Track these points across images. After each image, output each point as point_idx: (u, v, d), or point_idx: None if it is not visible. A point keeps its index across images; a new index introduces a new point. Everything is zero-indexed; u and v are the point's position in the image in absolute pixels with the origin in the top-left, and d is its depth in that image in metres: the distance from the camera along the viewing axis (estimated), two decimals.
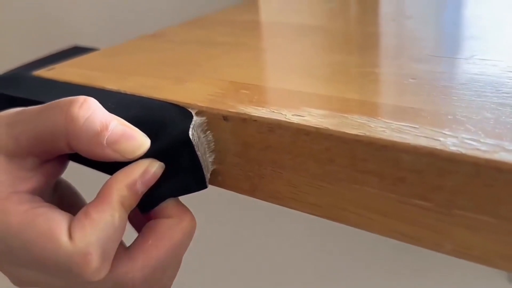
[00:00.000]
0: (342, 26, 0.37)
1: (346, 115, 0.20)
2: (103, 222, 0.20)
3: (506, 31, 0.31)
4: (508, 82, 0.22)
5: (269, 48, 0.32)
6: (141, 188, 0.21)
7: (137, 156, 0.21)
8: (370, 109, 0.21)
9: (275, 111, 0.22)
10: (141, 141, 0.21)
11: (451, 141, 0.18)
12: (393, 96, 0.22)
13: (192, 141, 0.22)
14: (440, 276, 0.49)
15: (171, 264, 0.23)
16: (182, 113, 0.23)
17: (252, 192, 0.23)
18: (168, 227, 0.22)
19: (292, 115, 0.21)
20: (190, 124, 0.22)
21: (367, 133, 0.19)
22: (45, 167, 0.23)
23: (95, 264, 0.20)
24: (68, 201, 0.26)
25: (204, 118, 0.23)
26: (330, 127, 0.19)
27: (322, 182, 0.20)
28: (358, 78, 0.25)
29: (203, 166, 0.23)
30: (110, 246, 0.21)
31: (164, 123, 0.23)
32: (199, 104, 0.23)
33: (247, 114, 0.22)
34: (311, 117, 0.21)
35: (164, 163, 0.22)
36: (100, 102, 0.22)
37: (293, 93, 0.24)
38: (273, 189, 0.22)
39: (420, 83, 0.24)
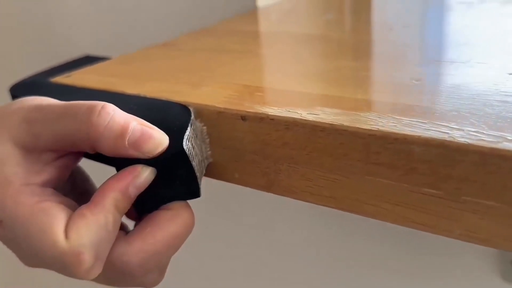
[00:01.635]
0: (342, 35, 0.39)
1: (357, 112, 0.22)
2: (97, 224, 0.22)
3: (496, 38, 0.33)
4: (505, 82, 0.24)
5: (276, 55, 0.34)
6: (134, 192, 0.22)
7: (157, 153, 0.22)
8: (380, 108, 0.22)
9: (291, 110, 0.23)
10: (160, 139, 0.22)
11: (458, 133, 0.19)
12: (400, 96, 0.24)
13: (187, 151, 0.22)
14: (434, 276, 0.50)
15: (166, 254, 0.24)
16: (180, 112, 0.24)
17: (268, 187, 0.24)
18: (167, 218, 0.23)
19: (307, 113, 0.22)
20: (183, 135, 0.23)
21: (380, 128, 0.20)
22: (60, 161, 0.24)
23: (88, 264, 0.21)
24: (79, 188, 0.28)
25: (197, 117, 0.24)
26: (344, 123, 0.21)
27: (336, 176, 0.22)
28: (365, 81, 0.27)
29: (197, 176, 0.23)
30: (103, 247, 0.22)
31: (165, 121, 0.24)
32: (218, 105, 0.25)
33: (265, 114, 0.23)
34: (325, 115, 0.22)
35: (160, 171, 0.23)
36: (120, 105, 0.24)
37: (304, 94, 0.25)
38: (289, 184, 0.24)
39: (423, 84, 0.25)
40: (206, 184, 0.26)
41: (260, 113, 0.23)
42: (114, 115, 0.22)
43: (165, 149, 0.22)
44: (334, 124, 0.21)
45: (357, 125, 0.21)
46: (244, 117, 0.24)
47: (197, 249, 0.72)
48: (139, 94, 0.27)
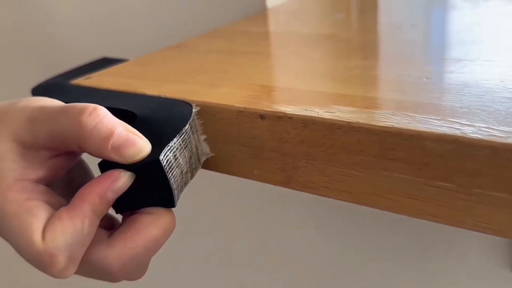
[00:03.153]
0: (352, 35, 0.40)
1: (372, 110, 0.23)
2: (73, 228, 0.23)
3: (502, 36, 0.34)
4: None
5: (289, 55, 0.35)
6: (112, 196, 0.23)
7: (137, 160, 0.23)
8: (393, 105, 0.23)
9: (308, 109, 0.24)
10: (141, 147, 0.23)
11: (469, 129, 0.20)
12: (412, 94, 0.25)
13: (163, 162, 0.23)
14: (442, 267, 0.51)
15: (146, 256, 0.25)
16: (179, 116, 0.25)
17: (287, 183, 0.26)
18: (148, 222, 0.24)
19: (324, 112, 0.23)
20: (165, 146, 0.23)
21: (395, 125, 0.21)
22: (56, 160, 0.25)
23: (61, 265, 0.23)
24: (78, 180, 0.29)
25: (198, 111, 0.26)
26: (361, 121, 0.22)
27: (353, 171, 0.23)
28: (376, 80, 0.28)
29: (173, 188, 0.24)
30: (78, 250, 0.23)
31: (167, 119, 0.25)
32: (237, 105, 0.26)
33: (283, 112, 0.24)
34: (341, 113, 0.23)
35: (137, 177, 0.24)
36: (139, 104, 0.25)
37: (319, 93, 0.26)
38: (307, 180, 0.25)
39: (434, 82, 0.26)
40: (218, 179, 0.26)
41: (278, 112, 0.24)
42: (104, 118, 0.23)
43: (145, 156, 0.23)
44: (351, 122, 0.22)
45: (373, 123, 0.22)
46: (262, 116, 0.25)
47: (201, 243, 0.73)
48: (159, 95, 0.29)
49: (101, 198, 0.23)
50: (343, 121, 0.22)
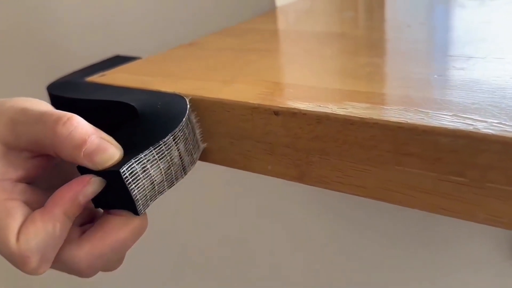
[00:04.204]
0: (362, 32, 0.40)
1: (385, 106, 0.24)
2: (45, 231, 0.24)
3: (511, 34, 0.35)
4: None
5: (300, 53, 0.35)
6: (83, 200, 0.25)
7: (106, 166, 0.24)
8: (406, 102, 0.24)
9: (321, 105, 0.25)
10: (111, 154, 0.24)
11: (481, 124, 0.21)
12: (424, 91, 0.25)
13: (125, 174, 0.23)
14: (449, 264, 0.51)
15: (114, 256, 0.26)
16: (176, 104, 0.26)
17: (300, 178, 0.26)
18: (117, 224, 0.25)
19: (337, 108, 0.24)
20: (132, 158, 0.24)
21: (408, 120, 0.22)
22: (38, 159, 0.27)
23: (33, 265, 0.24)
24: (66, 172, 0.29)
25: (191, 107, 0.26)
26: (374, 117, 0.22)
27: (366, 166, 0.23)
28: (388, 76, 0.28)
29: (136, 198, 0.24)
30: (49, 251, 0.25)
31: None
32: (251, 101, 0.26)
33: (297, 109, 0.25)
34: (354, 109, 0.24)
35: (106, 183, 0.25)
36: (149, 102, 0.25)
37: (332, 90, 0.27)
38: (320, 175, 0.25)
39: (445, 79, 0.27)
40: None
41: (292, 108, 0.25)
42: (77, 127, 0.24)
43: (115, 163, 0.24)
44: (364, 117, 0.23)
45: (386, 118, 0.22)
46: (277, 112, 0.25)
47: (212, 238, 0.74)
48: (174, 92, 0.29)
49: (72, 202, 0.24)
50: (357, 117, 0.23)
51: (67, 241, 0.25)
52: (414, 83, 0.27)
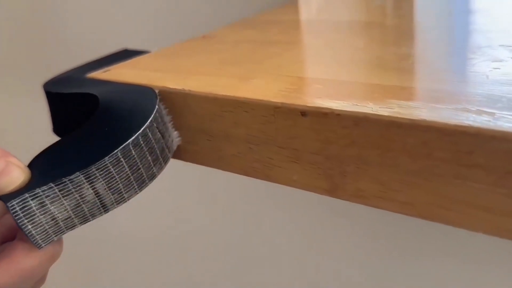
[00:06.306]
0: (395, 21, 0.36)
1: (438, 105, 0.19)
2: None
3: None
4: None
5: (328, 44, 0.31)
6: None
7: (8, 191, 0.23)
8: (463, 99, 0.19)
9: (358, 104, 0.20)
10: (13, 179, 0.23)
11: None
12: (482, 86, 0.21)
13: (13, 208, 0.22)
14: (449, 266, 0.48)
15: (26, 285, 0.24)
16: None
17: (332, 191, 0.22)
18: (23, 252, 0.24)
19: (379, 107, 0.20)
20: (25, 192, 0.22)
21: (472, 123, 0.17)
22: None
23: None
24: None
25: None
26: (427, 118, 0.18)
27: (416, 178, 0.19)
28: (436, 69, 0.24)
29: (32, 233, 0.23)
30: None
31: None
32: (273, 100, 0.22)
33: (329, 109, 0.20)
34: (401, 108, 0.19)
35: None
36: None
37: (370, 86, 0.22)
38: (357, 188, 0.21)
39: (503, 72, 0.22)
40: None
41: (323, 108, 0.21)
42: None
43: (17, 187, 0.23)
44: (415, 119, 0.18)
45: (444, 121, 0.18)
46: (304, 113, 0.21)
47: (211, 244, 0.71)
48: (183, 89, 0.25)
49: None
50: (405, 118, 0.18)
51: None
52: (470, 76, 0.22)
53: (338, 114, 0.20)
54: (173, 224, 0.76)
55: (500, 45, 0.26)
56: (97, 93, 0.27)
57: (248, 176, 0.25)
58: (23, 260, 0.24)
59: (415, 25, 0.34)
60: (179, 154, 0.27)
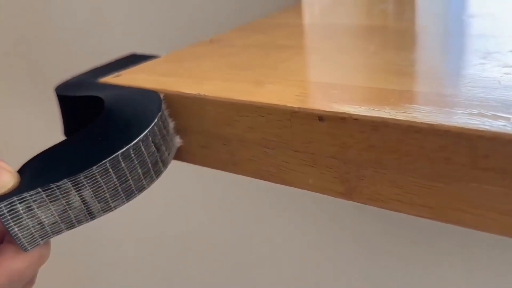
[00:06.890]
0: (403, 26, 0.36)
1: (454, 110, 0.20)
2: None
3: None
4: None
5: (338, 49, 0.31)
6: None
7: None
8: (477, 104, 0.20)
9: (376, 108, 0.21)
10: (3, 183, 0.23)
11: None
12: (495, 90, 0.21)
13: (1, 213, 0.22)
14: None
15: (16, 285, 0.24)
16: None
17: (349, 195, 0.22)
18: (11, 254, 0.24)
19: (397, 112, 0.20)
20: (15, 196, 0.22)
21: (488, 128, 0.18)
22: None
23: None
24: None
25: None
26: (446, 123, 0.19)
27: (434, 182, 0.20)
28: (451, 74, 0.24)
29: (18, 236, 0.23)
30: None
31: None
32: (290, 105, 0.22)
33: (347, 113, 0.21)
34: (419, 113, 0.20)
35: None
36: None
37: (385, 91, 0.23)
38: (374, 191, 0.21)
39: None
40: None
41: (341, 113, 0.21)
42: None
43: (6, 192, 0.23)
44: (434, 124, 0.19)
45: (461, 125, 0.18)
46: (321, 118, 0.22)
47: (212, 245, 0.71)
48: (198, 94, 0.26)
49: None
50: (424, 123, 0.19)
51: None
52: (482, 81, 0.23)
53: (356, 119, 0.21)
54: (173, 224, 0.76)
55: (509, 51, 0.26)
56: (103, 96, 0.27)
57: (263, 180, 0.25)
58: (11, 262, 0.24)
59: (422, 30, 0.35)
60: (193, 159, 0.27)
